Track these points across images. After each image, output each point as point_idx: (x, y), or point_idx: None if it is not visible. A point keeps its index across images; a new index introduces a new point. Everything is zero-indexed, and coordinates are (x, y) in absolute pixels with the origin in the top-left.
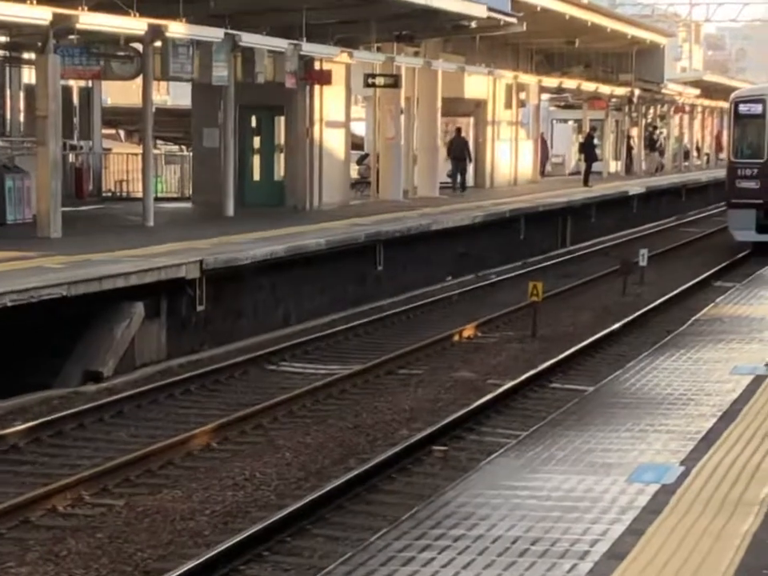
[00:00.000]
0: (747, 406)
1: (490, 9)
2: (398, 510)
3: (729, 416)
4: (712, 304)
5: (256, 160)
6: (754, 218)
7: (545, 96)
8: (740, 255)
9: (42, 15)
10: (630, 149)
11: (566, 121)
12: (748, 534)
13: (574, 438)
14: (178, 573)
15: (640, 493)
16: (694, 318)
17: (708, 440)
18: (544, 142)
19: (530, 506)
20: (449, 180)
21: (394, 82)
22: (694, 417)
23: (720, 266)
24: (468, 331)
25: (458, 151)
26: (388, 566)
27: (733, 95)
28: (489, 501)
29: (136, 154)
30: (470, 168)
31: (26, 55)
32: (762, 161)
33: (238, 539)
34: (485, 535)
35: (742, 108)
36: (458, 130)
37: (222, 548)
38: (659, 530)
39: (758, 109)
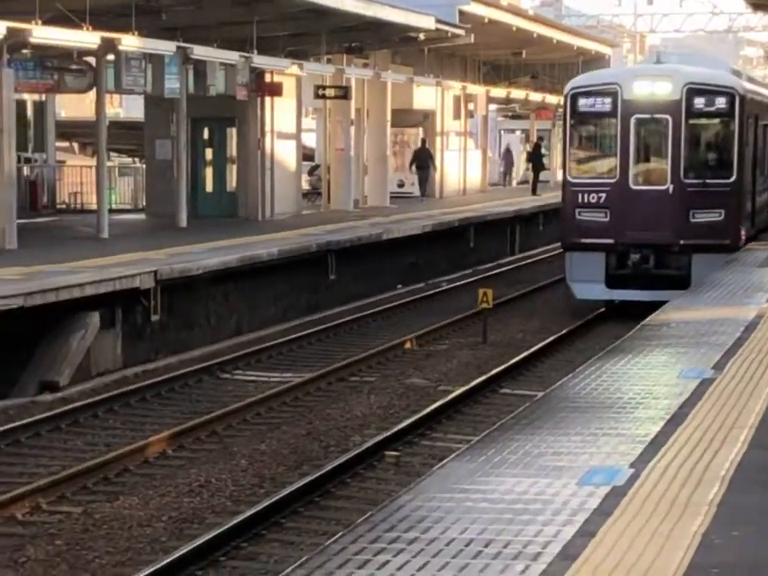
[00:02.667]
0: (695, 410)
1: (438, 21)
2: (352, 514)
3: (677, 419)
4: (660, 309)
5: (208, 171)
6: (603, 266)
7: (492, 106)
8: None
9: None
10: None
11: (513, 131)
12: (697, 534)
13: (525, 442)
14: None
15: (591, 495)
16: (642, 323)
17: (657, 443)
18: (509, 152)
19: (483, 509)
20: (398, 189)
21: (344, 94)
22: (643, 420)
23: None
24: (420, 338)
25: (423, 161)
26: (344, 568)
27: (569, 85)
28: (442, 504)
29: (90, 167)
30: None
31: None
32: (613, 180)
33: (195, 545)
34: (439, 538)
35: (584, 103)
36: (423, 141)
37: (179, 554)
38: (610, 532)
39: (606, 104)
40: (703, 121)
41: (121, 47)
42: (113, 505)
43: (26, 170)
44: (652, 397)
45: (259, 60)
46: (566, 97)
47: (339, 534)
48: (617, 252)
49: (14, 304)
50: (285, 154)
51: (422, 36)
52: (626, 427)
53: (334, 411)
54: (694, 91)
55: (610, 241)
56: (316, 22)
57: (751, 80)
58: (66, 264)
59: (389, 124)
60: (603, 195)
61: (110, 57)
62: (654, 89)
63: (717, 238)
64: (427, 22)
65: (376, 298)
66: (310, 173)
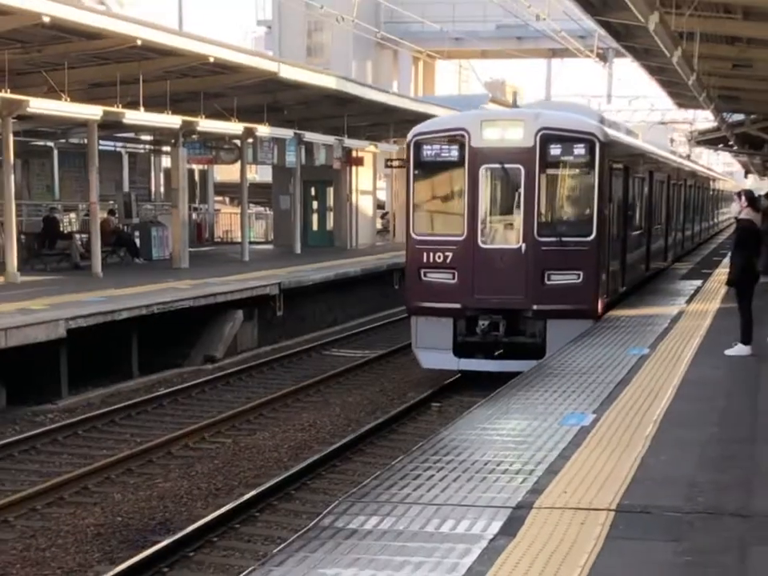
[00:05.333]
0: (637, 374)
1: None
2: (409, 444)
3: (624, 381)
4: (616, 307)
5: (315, 216)
6: (451, 333)
7: None
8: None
9: (175, 121)
10: None
11: None
12: (638, 457)
13: (523, 397)
14: (269, 484)
15: (567, 432)
16: (602, 318)
17: (612, 397)
18: None
19: (496, 440)
20: None
21: (405, 164)
22: (602, 382)
23: None
24: None
25: None
26: (404, 479)
27: (412, 131)
28: (469, 437)
29: (236, 213)
30: None
31: (164, 148)
32: (460, 238)
33: (306, 463)
34: (467, 459)
35: (428, 152)
36: None
37: (296, 469)
38: (580, 456)
39: (452, 153)
40: (560, 171)
41: (257, 133)
42: (252, 437)
43: (194, 215)
44: (608, 366)
45: (348, 142)
46: (408, 145)
47: (400, 457)
48: (465, 317)
49: (187, 304)
50: (365, 204)
51: None
52: (591, 386)
53: (398, 376)
54: (549, 138)
55: (457, 305)
56: (386, 116)
57: (630, 132)
58: (221, 278)
59: None
60: (450, 254)
61: (250, 140)
62: (504, 135)
63: (574, 303)
64: None
65: None
66: (382, 217)
